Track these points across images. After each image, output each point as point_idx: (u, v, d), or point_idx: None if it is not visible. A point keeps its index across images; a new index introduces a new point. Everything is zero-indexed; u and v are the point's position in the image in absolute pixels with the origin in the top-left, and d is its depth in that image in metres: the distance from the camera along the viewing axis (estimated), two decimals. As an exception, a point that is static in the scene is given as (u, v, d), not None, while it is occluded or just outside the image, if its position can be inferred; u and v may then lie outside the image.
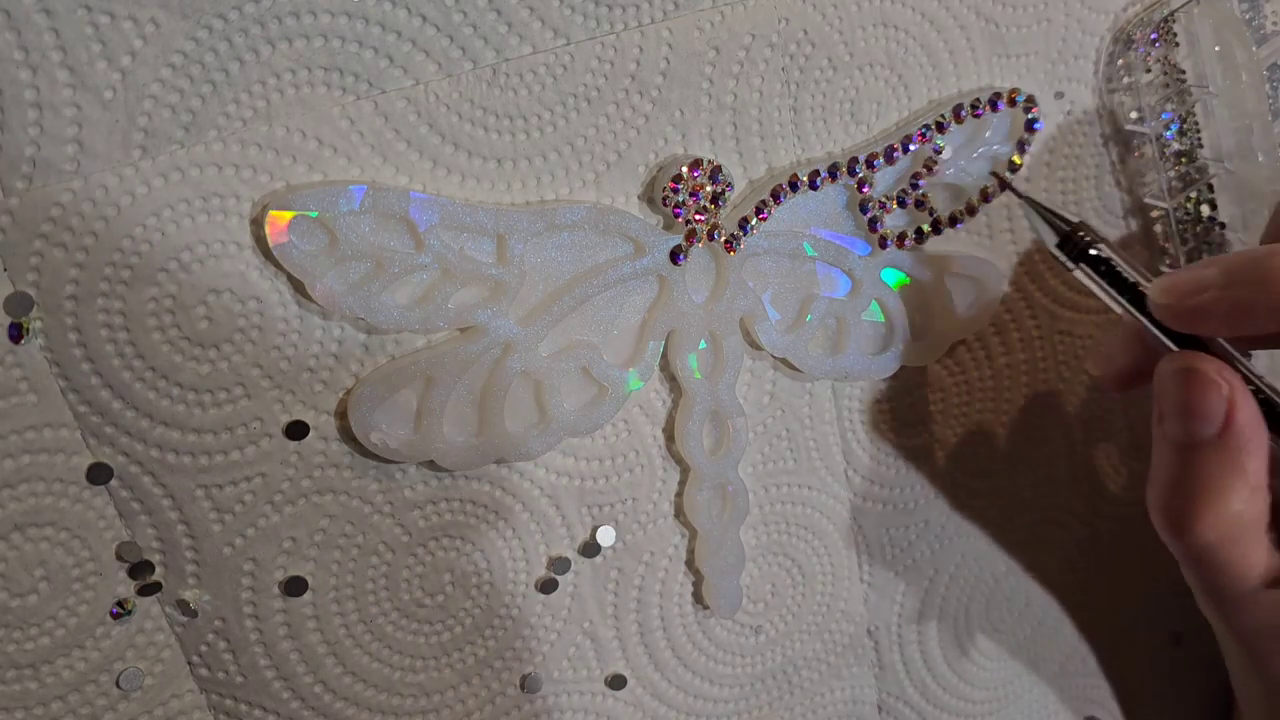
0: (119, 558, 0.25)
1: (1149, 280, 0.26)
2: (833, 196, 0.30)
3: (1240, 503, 0.25)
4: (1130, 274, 0.27)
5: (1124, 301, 0.27)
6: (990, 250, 0.33)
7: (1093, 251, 0.27)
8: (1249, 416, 0.25)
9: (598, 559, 0.30)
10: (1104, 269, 0.27)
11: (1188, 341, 0.26)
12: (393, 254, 0.25)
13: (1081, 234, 0.27)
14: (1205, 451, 0.25)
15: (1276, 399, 0.25)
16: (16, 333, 0.22)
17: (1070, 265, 0.28)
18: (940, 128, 0.30)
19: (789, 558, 0.33)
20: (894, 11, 0.30)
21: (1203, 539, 0.25)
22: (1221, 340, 0.26)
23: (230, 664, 0.26)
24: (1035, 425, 0.36)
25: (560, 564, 0.30)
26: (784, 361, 0.31)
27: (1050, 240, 0.28)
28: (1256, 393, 0.25)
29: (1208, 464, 0.25)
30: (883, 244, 0.31)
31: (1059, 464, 0.36)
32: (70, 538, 0.24)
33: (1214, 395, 0.25)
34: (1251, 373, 0.25)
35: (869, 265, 0.31)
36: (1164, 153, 0.33)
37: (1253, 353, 0.35)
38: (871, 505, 0.34)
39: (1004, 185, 0.30)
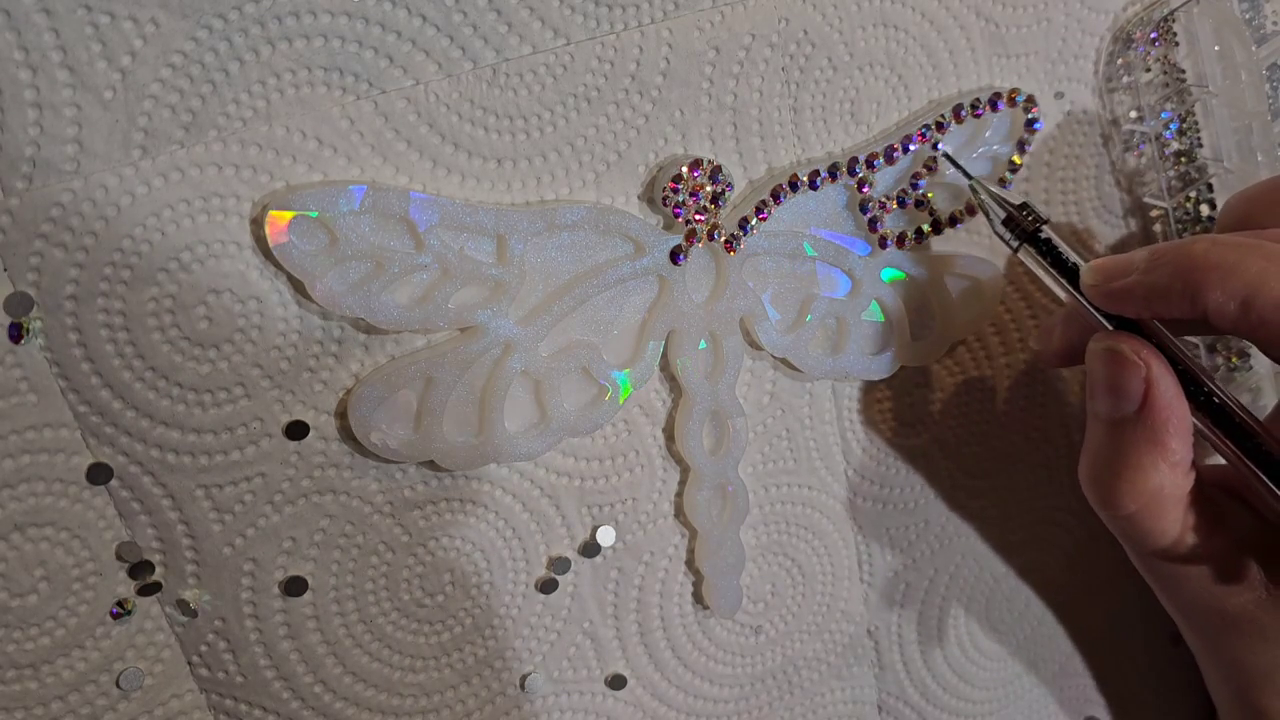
0: (119, 558, 0.25)
1: (1086, 262, 0.27)
2: (833, 196, 0.30)
3: (1159, 477, 0.26)
4: (1069, 255, 0.28)
5: (1063, 282, 0.28)
6: (990, 250, 0.33)
7: (1039, 234, 0.28)
8: (1168, 396, 0.26)
9: (598, 559, 0.30)
10: (1044, 249, 0.28)
11: (1125, 323, 0.27)
12: (393, 254, 0.25)
13: (1025, 214, 0.28)
14: (1127, 428, 0.26)
15: (1206, 381, 0.26)
16: (16, 333, 0.22)
17: (1013, 245, 0.28)
18: (940, 128, 0.30)
19: (789, 558, 0.33)
20: (894, 11, 0.30)
21: (1125, 510, 0.26)
22: (1156, 322, 0.27)
23: (230, 664, 0.26)
24: (1035, 425, 0.36)
25: (560, 564, 0.30)
26: (784, 361, 0.31)
27: (995, 220, 0.29)
28: (1184, 374, 0.26)
29: (1130, 439, 0.26)
30: (883, 244, 0.31)
31: (1059, 464, 0.36)
32: (70, 538, 0.24)
33: (1132, 374, 0.26)
34: (1182, 354, 0.26)
35: (869, 265, 0.31)
36: (1163, 152, 0.33)
37: (1252, 356, 0.35)
38: (871, 505, 0.34)
39: (953, 164, 0.30)
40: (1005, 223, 0.28)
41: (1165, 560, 0.27)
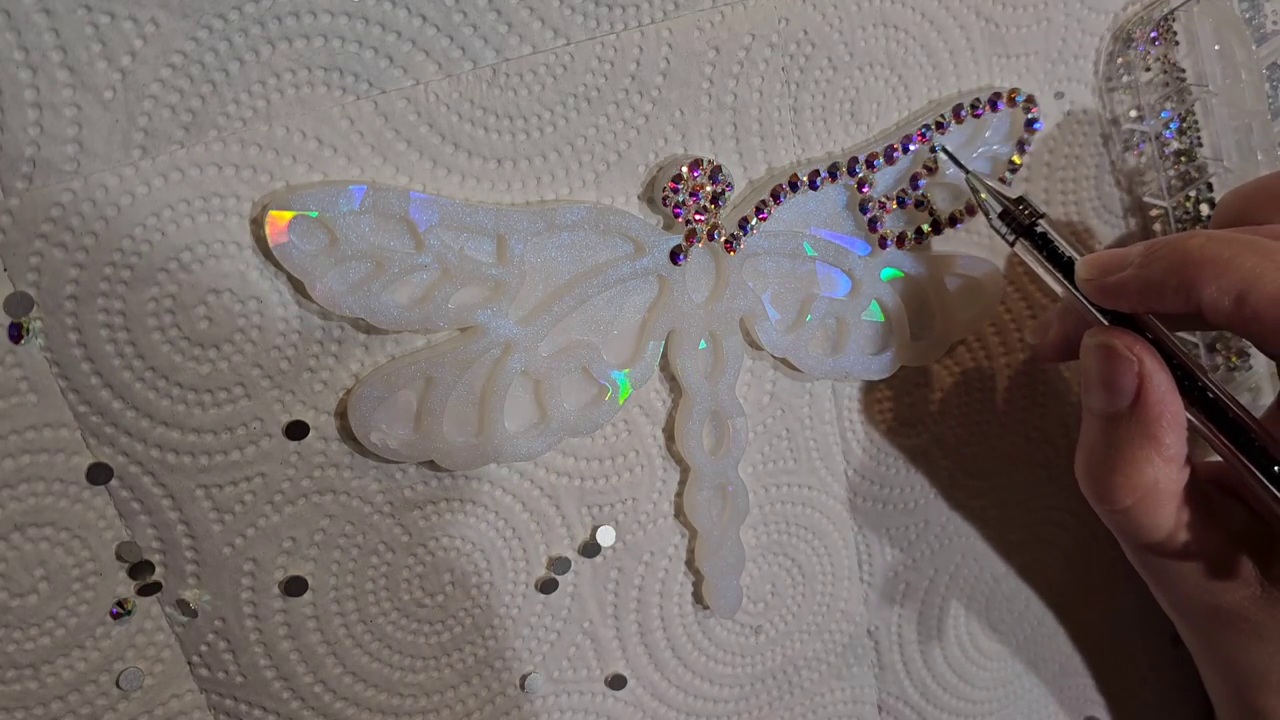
0: (119, 558, 0.25)
1: (1082, 256, 0.27)
2: (833, 196, 0.30)
3: (1153, 471, 0.26)
4: (1065, 249, 0.28)
5: (1059, 276, 0.28)
6: (990, 250, 0.33)
7: (1035, 228, 0.28)
8: (1161, 391, 0.26)
9: (598, 559, 0.30)
10: (1041, 243, 0.28)
11: (1120, 318, 0.27)
12: (393, 254, 0.25)
13: (1022, 208, 0.28)
14: (1121, 423, 0.26)
15: (1200, 376, 0.26)
16: (16, 333, 0.22)
17: (1009, 239, 0.28)
18: (940, 128, 0.30)
19: (789, 558, 0.33)
20: (894, 11, 0.30)
21: (1119, 504, 0.26)
22: (1151, 317, 0.27)
23: (230, 664, 0.26)
24: (1035, 425, 0.36)
25: (560, 564, 0.30)
26: (784, 361, 0.31)
27: (992, 214, 0.29)
28: (1178, 369, 0.26)
29: (1123, 434, 0.26)
30: (883, 244, 0.31)
31: (1059, 464, 0.36)
32: (70, 538, 0.24)
33: (1125, 369, 0.26)
34: (1177, 349, 0.26)
35: (869, 265, 0.31)
36: (1163, 151, 0.33)
37: (1251, 356, 0.35)
38: (871, 505, 0.34)
39: (951, 158, 0.30)
40: (1001, 216, 0.28)
41: (1160, 556, 0.27)
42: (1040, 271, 0.28)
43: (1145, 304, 0.26)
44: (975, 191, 0.29)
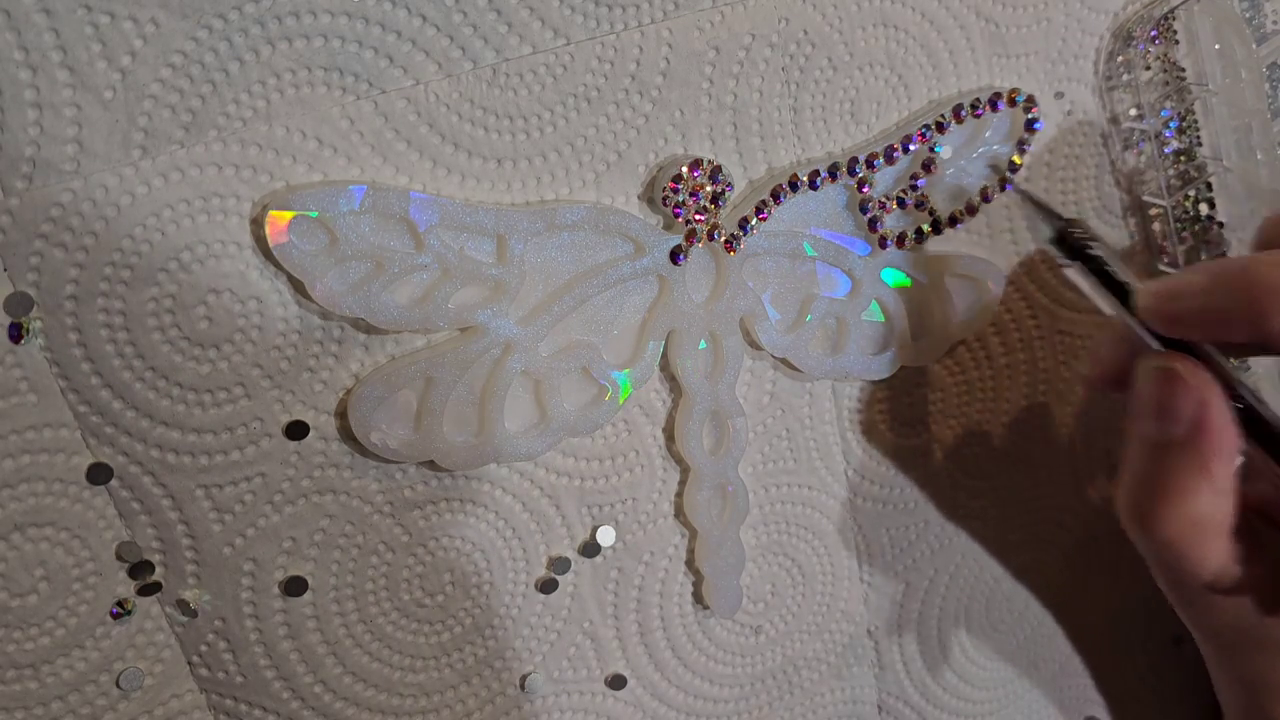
0: (119, 558, 0.25)
1: (1138, 282, 0.26)
2: (833, 196, 0.30)
3: (1204, 504, 0.25)
4: (1121, 274, 0.27)
5: (1115, 301, 0.27)
6: (990, 250, 0.33)
7: (1089, 251, 0.27)
8: (1220, 421, 0.25)
9: (598, 559, 0.30)
10: (1095, 268, 0.27)
11: (1175, 344, 0.26)
12: (393, 254, 0.25)
13: (1075, 230, 0.27)
14: (1174, 451, 0.25)
15: (1258, 406, 0.25)
16: (16, 333, 0.22)
17: (1065, 261, 0.28)
18: (940, 128, 0.30)
19: (789, 558, 0.33)
20: (894, 11, 0.30)
21: (1164, 536, 0.25)
22: (1208, 345, 0.26)
23: (230, 664, 0.26)
24: (1035, 425, 0.36)
25: (560, 564, 0.30)
26: (784, 361, 0.31)
27: (1045, 235, 0.28)
28: (1236, 400, 0.25)
29: (1175, 463, 0.25)
30: (883, 244, 0.31)
31: (1059, 464, 0.36)
32: (70, 538, 0.24)
33: (1186, 396, 0.25)
34: (1235, 379, 0.25)
35: (869, 265, 0.31)
36: (1163, 150, 0.33)
37: (1249, 358, 0.35)
38: (871, 505, 0.34)
39: (1003, 180, 0.30)
40: (1055, 240, 0.27)
41: (1201, 589, 0.26)
42: (1093, 295, 0.27)
43: (1209, 333, 0.25)
44: (1028, 213, 0.28)
